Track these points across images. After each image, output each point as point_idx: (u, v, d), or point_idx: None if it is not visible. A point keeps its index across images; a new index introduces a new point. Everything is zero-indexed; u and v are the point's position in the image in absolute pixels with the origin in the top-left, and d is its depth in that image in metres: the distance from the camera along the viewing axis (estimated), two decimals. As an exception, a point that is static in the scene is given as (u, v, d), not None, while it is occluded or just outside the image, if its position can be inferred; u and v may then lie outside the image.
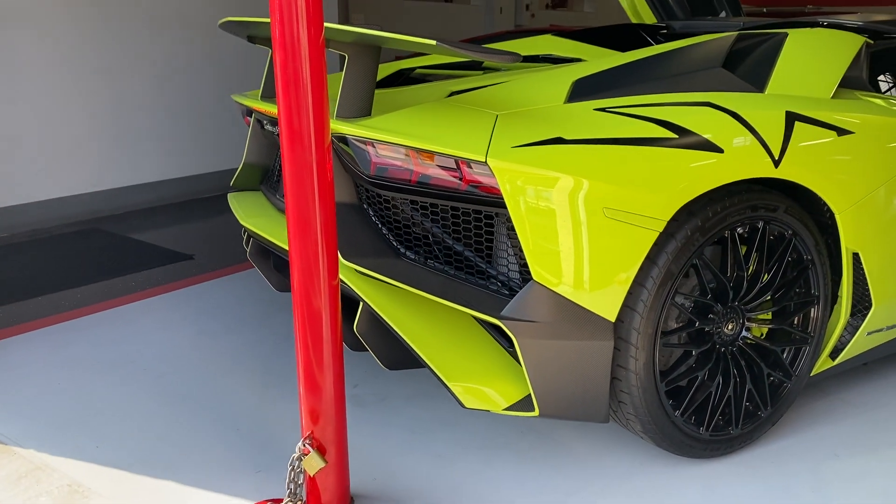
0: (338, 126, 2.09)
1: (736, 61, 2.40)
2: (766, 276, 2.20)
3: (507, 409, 2.04)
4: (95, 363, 2.86)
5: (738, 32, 2.49)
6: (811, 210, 2.30)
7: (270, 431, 2.41)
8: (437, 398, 2.59)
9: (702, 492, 2.12)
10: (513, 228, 1.98)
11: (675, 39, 3.61)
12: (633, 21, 4.13)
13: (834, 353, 2.44)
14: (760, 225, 2.13)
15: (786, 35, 2.49)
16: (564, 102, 2.11)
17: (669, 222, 1.97)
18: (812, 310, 2.30)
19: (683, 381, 2.13)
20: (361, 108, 2.18)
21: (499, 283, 2.04)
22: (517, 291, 1.99)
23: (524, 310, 1.92)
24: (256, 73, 5.89)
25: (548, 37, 3.49)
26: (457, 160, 1.93)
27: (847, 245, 2.29)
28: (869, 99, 2.46)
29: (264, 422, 2.47)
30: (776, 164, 2.08)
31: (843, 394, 2.64)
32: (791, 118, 2.15)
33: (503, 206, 1.92)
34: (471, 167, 1.92)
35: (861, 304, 2.44)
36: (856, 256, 2.32)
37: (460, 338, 2.13)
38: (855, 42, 2.58)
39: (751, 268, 2.16)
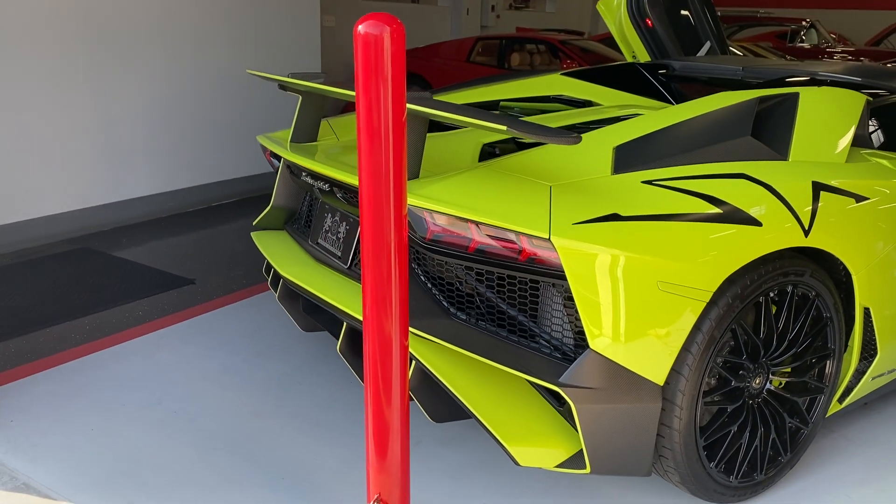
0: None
1: (759, 127, 2.54)
2: (791, 334, 2.36)
3: (558, 465, 2.15)
4: (122, 406, 2.87)
5: (758, 96, 2.62)
6: (829, 271, 2.46)
7: (319, 478, 2.47)
8: (472, 441, 2.69)
9: (732, 536, 2.28)
10: (570, 298, 2.08)
11: (676, 80, 3.77)
12: (628, 59, 4.26)
13: (842, 397, 2.63)
14: (790, 289, 2.28)
15: (797, 95, 2.65)
16: (612, 174, 2.23)
17: (714, 292, 2.11)
18: (828, 363, 2.48)
19: (719, 434, 2.27)
20: (411, 171, 2.25)
21: (551, 348, 2.15)
22: (570, 356, 2.10)
23: (582, 377, 2.03)
24: (246, 88, 5.88)
25: (558, 76, 3.60)
26: (518, 234, 2.03)
27: (860, 301, 2.46)
28: (877, 160, 2.64)
29: (310, 468, 2.53)
30: (806, 234, 2.24)
31: (845, 430, 2.83)
32: (817, 188, 2.31)
33: (561, 277, 2.02)
34: (532, 242, 2.02)
35: (866, 351, 2.63)
36: (866, 311, 2.50)
37: (509, 396, 2.23)
38: (859, 101, 2.75)
39: (780, 327, 2.32)
